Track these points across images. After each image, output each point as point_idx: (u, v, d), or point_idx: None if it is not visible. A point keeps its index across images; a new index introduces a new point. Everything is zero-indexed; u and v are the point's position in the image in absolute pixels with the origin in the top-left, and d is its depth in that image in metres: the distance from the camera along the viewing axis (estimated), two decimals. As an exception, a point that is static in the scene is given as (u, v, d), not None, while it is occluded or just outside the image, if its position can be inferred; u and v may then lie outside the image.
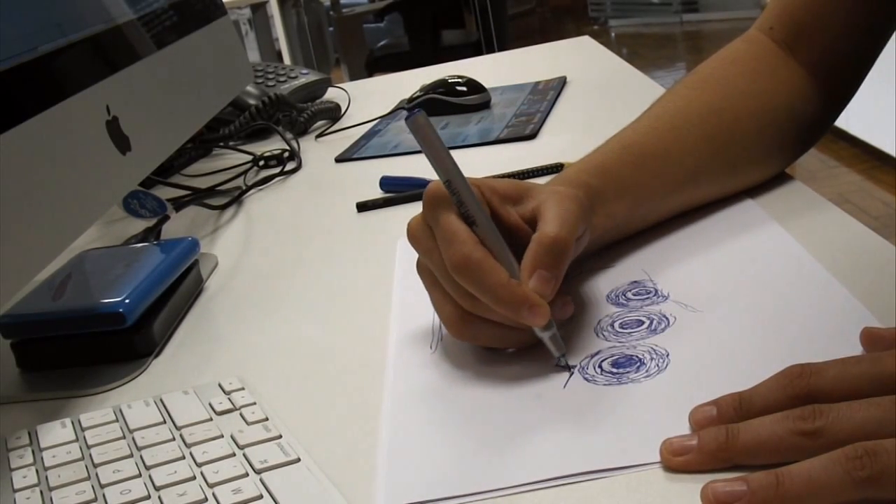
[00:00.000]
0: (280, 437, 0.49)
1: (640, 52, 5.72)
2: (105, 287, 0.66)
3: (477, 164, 0.93)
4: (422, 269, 0.57)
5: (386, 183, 0.91)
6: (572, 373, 0.52)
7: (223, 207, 0.95)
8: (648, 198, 0.66)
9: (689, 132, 0.68)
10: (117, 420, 0.53)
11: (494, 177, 0.86)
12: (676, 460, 0.43)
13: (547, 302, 0.52)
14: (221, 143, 1.18)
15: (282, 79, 1.33)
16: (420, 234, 0.56)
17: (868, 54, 0.73)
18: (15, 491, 0.48)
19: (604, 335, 0.56)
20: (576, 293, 0.61)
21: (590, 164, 0.65)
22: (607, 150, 0.67)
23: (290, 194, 0.98)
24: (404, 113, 1.20)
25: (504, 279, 0.51)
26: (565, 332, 0.56)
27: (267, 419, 0.51)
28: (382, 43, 4.30)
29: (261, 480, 0.46)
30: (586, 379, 0.51)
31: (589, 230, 0.58)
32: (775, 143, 0.72)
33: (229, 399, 0.54)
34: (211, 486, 0.46)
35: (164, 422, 0.52)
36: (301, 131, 1.19)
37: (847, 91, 0.74)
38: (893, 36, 0.73)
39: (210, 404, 0.54)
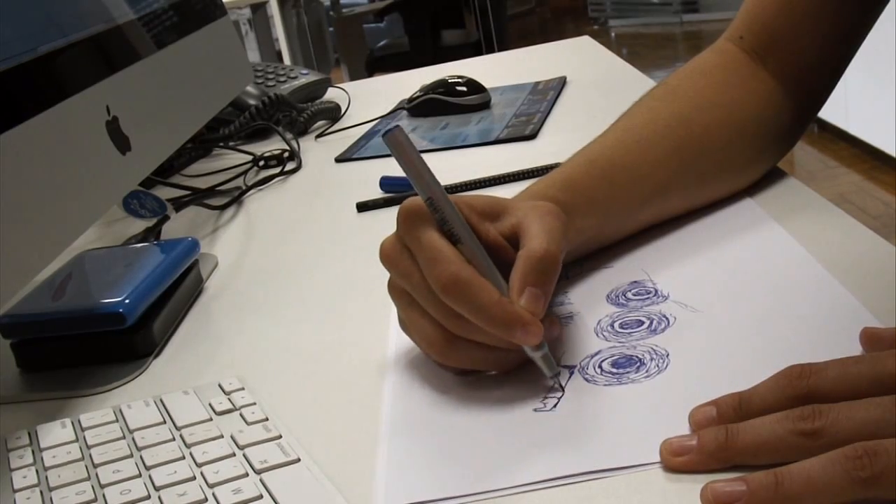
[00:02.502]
0: (280, 437, 0.49)
1: (639, 52, 5.72)
2: (105, 287, 0.66)
3: (477, 164, 0.93)
4: (395, 290, 0.55)
5: (386, 183, 0.91)
6: (572, 373, 0.52)
7: (223, 207, 0.95)
8: (617, 212, 0.65)
9: (657, 144, 0.67)
10: (117, 420, 0.53)
11: (488, 178, 0.86)
12: (676, 460, 0.43)
13: (539, 318, 0.50)
14: (221, 143, 1.18)
15: (282, 79, 1.33)
16: (395, 255, 0.53)
17: (839, 62, 0.72)
18: (15, 491, 0.48)
19: (604, 335, 0.56)
20: (576, 293, 0.61)
21: (556, 179, 0.63)
22: (574, 164, 0.65)
23: (290, 194, 0.98)
24: (404, 113, 1.20)
25: (496, 298, 0.49)
26: (566, 332, 0.56)
27: (267, 419, 0.51)
28: (382, 43, 4.30)
29: (261, 480, 0.46)
30: (586, 379, 0.51)
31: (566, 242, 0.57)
32: (746, 153, 0.71)
33: (229, 399, 0.54)
34: (211, 486, 0.46)
35: (164, 422, 0.52)
36: (301, 131, 1.19)
37: (818, 99, 0.74)
38: (894, 38, 0.73)
39: (210, 404, 0.54)
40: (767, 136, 0.72)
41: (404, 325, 0.56)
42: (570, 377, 0.52)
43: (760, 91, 0.71)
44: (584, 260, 0.66)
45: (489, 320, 0.49)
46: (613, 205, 0.64)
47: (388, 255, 0.54)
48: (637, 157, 0.66)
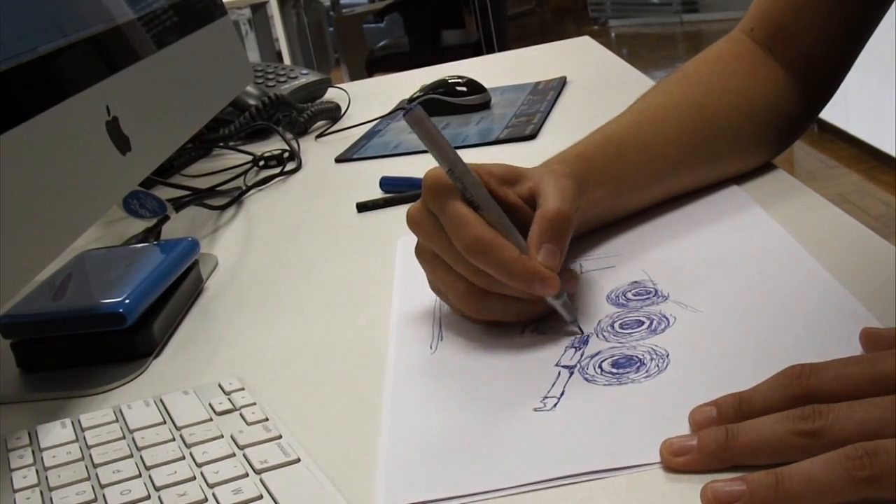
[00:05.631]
0: (280, 437, 0.49)
1: (640, 52, 5.72)
2: (105, 287, 0.66)
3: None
4: (423, 254, 0.59)
5: (386, 183, 0.91)
6: (572, 373, 0.52)
7: (223, 208, 0.95)
8: (629, 187, 0.68)
9: (670, 125, 0.70)
10: (117, 420, 0.53)
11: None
12: (676, 460, 0.43)
13: (556, 272, 0.55)
14: (221, 144, 1.18)
15: (282, 79, 1.33)
16: (422, 221, 0.58)
17: (847, 55, 0.74)
18: (15, 491, 0.48)
19: (604, 335, 0.56)
20: (576, 294, 0.61)
21: (571, 154, 0.67)
22: (589, 140, 0.69)
23: (290, 194, 0.98)
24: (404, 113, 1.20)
25: (515, 255, 0.54)
26: (565, 332, 0.56)
27: (267, 419, 0.51)
28: (382, 43, 4.30)
29: (261, 480, 0.46)
30: (586, 379, 0.51)
31: (580, 209, 0.61)
32: (754, 138, 0.74)
33: (229, 399, 0.54)
34: (211, 486, 0.46)
35: (164, 422, 0.52)
36: (301, 131, 1.19)
37: (827, 90, 0.76)
38: (894, 38, 0.74)
39: (210, 404, 0.54)
40: (776, 122, 0.74)
41: (434, 286, 0.61)
42: (570, 377, 0.52)
43: (770, 80, 0.74)
44: (585, 260, 0.66)
45: (511, 276, 0.54)
46: (626, 179, 0.68)
47: (416, 222, 0.58)
48: (651, 135, 0.69)
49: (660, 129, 0.70)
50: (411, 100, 1.20)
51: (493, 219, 0.56)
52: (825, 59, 0.74)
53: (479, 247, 0.54)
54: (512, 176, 0.61)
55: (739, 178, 0.74)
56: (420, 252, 0.60)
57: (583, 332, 0.56)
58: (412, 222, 0.58)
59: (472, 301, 0.57)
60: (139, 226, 0.86)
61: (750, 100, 0.73)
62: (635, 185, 0.69)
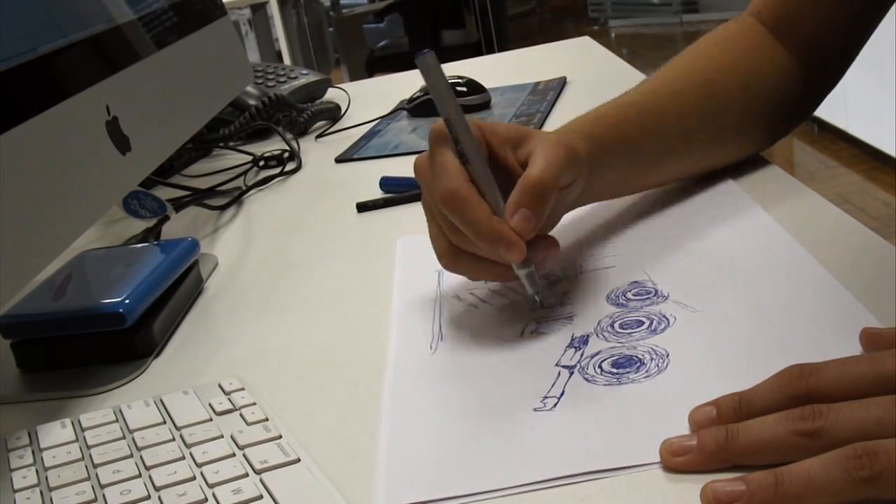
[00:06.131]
0: (280, 437, 0.49)
1: (640, 52, 5.72)
2: (105, 287, 0.66)
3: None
4: (424, 203, 0.60)
5: (386, 183, 0.91)
6: (572, 373, 0.52)
7: (223, 208, 0.95)
8: (644, 154, 0.69)
9: (684, 98, 0.71)
10: (117, 420, 0.53)
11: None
12: (676, 461, 0.43)
13: (527, 239, 0.55)
14: (221, 144, 1.18)
15: (282, 79, 1.33)
16: (423, 169, 0.59)
17: (853, 43, 0.75)
18: (15, 491, 0.48)
19: (604, 335, 0.56)
20: (576, 293, 0.61)
21: (590, 117, 0.68)
22: (608, 105, 0.70)
23: (290, 194, 0.98)
24: (404, 113, 1.20)
25: (485, 215, 0.55)
26: (566, 332, 0.56)
27: (267, 419, 0.51)
28: (382, 43, 4.30)
29: (261, 481, 0.46)
30: (586, 379, 0.51)
31: (582, 179, 0.61)
32: (761, 117, 0.75)
33: (229, 399, 0.54)
34: (211, 486, 0.46)
35: (164, 422, 0.52)
36: (301, 132, 1.19)
37: (832, 77, 0.77)
38: (894, 37, 0.74)
39: (210, 404, 0.54)
40: (779, 105, 0.75)
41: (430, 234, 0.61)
42: (570, 377, 0.52)
43: (777, 62, 0.75)
44: (584, 260, 0.66)
45: (477, 234, 0.55)
46: (642, 145, 0.69)
47: (419, 170, 0.60)
48: (667, 106, 0.71)
49: (674, 101, 0.71)
50: (411, 100, 1.20)
51: (477, 175, 0.56)
52: (830, 47, 0.75)
53: (452, 199, 0.55)
54: (517, 138, 0.61)
55: (739, 177, 0.74)
56: (423, 202, 0.60)
57: (543, 305, 0.58)
58: (416, 170, 0.60)
59: (446, 255, 0.58)
60: (139, 226, 0.86)
61: (757, 79, 0.74)
62: (649, 153, 0.69)
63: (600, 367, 0.52)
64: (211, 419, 0.52)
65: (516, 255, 0.55)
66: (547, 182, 0.56)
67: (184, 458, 0.48)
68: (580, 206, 0.68)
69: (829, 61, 0.75)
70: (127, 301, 0.63)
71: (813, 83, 0.76)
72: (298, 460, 0.47)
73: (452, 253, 0.58)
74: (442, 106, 0.57)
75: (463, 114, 0.57)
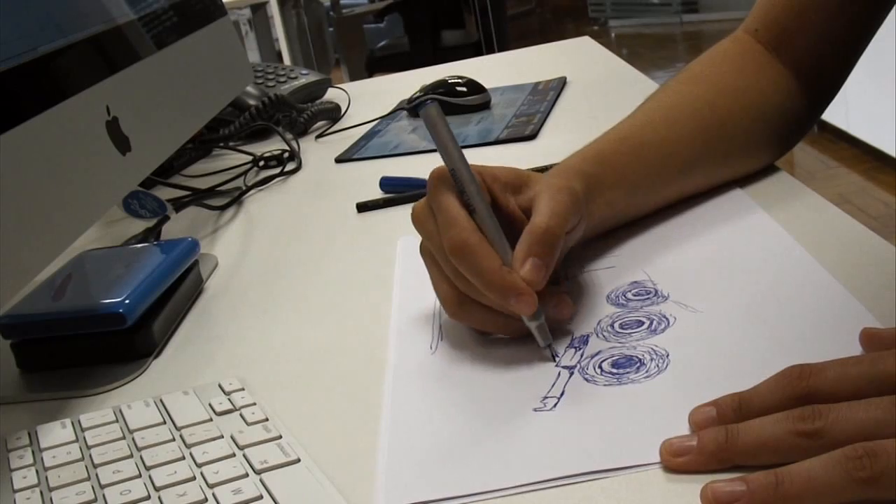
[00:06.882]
0: (280, 437, 0.49)
1: (639, 52, 5.72)
2: (105, 287, 0.66)
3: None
4: (424, 251, 0.59)
5: (386, 183, 0.91)
6: (572, 373, 0.52)
7: (223, 208, 0.95)
8: (645, 186, 0.68)
9: (683, 125, 0.70)
10: (117, 420, 0.53)
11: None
12: (676, 461, 0.43)
13: (537, 290, 0.53)
14: (221, 144, 1.18)
15: (282, 79, 1.33)
16: (423, 218, 0.58)
17: (850, 57, 0.75)
18: (15, 491, 0.48)
19: (604, 335, 0.56)
20: (576, 293, 0.61)
21: (588, 153, 0.67)
22: (605, 140, 0.69)
23: (290, 195, 0.98)
24: (404, 113, 1.20)
25: (496, 265, 0.53)
26: (566, 331, 0.56)
27: (267, 419, 0.51)
28: (382, 43, 4.30)
29: (261, 481, 0.46)
30: (586, 379, 0.51)
31: (584, 220, 0.61)
32: (764, 137, 0.74)
33: (229, 399, 0.54)
34: (211, 486, 0.46)
35: (164, 422, 0.52)
36: (301, 132, 1.19)
37: (829, 92, 0.77)
38: (894, 38, 0.74)
39: (210, 405, 0.54)
40: (783, 122, 0.75)
41: (432, 284, 0.59)
42: (570, 377, 0.52)
43: (777, 80, 0.74)
44: (584, 260, 0.66)
45: (487, 285, 0.53)
46: (642, 180, 0.68)
47: (418, 218, 0.58)
48: (665, 135, 0.70)
49: (673, 129, 0.70)
50: (411, 100, 1.20)
51: (484, 224, 0.55)
52: (828, 61, 0.74)
53: (462, 250, 0.54)
54: (517, 183, 0.60)
55: (740, 180, 0.74)
56: (422, 249, 0.60)
57: (555, 358, 0.54)
58: (414, 218, 0.58)
59: (453, 304, 0.57)
60: (139, 226, 0.86)
61: (760, 99, 0.73)
62: (650, 185, 0.69)
63: (600, 367, 0.52)
64: (211, 419, 0.52)
65: (527, 308, 0.53)
66: (555, 230, 0.55)
67: (184, 458, 0.48)
68: (581, 241, 0.65)
69: (828, 73, 0.75)
70: (127, 301, 0.63)
71: (812, 98, 0.76)
72: (298, 460, 0.47)
73: (459, 301, 0.56)
74: (447, 156, 0.56)
75: (467, 162, 0.56)
